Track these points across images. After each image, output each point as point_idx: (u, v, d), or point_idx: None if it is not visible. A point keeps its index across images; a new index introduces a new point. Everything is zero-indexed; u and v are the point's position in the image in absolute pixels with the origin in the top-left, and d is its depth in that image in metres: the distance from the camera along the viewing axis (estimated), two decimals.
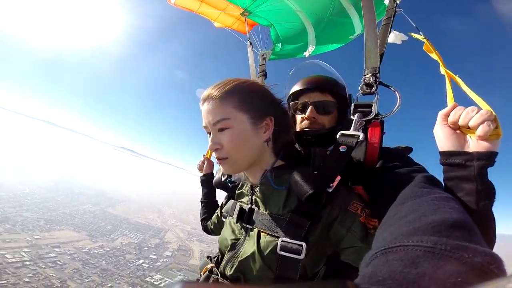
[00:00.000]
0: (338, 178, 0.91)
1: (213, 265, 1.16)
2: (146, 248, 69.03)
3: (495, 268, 0.37)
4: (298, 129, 1.35)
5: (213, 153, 1.03)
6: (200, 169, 1.95)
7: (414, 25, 1.45)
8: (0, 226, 58.26)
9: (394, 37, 1.52)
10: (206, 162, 1.94)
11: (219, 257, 1.19)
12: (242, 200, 1.17)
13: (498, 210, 0.84)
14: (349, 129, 1.06)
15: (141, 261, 59.53)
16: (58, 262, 50.06)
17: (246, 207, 1.09)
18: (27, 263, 45.87)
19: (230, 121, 0.96)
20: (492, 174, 0.83)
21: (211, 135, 1.00)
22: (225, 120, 0.96)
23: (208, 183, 1.86)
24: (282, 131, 1.08)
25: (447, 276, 0.35)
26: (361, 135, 0.99)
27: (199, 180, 1.93)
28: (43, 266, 46.40)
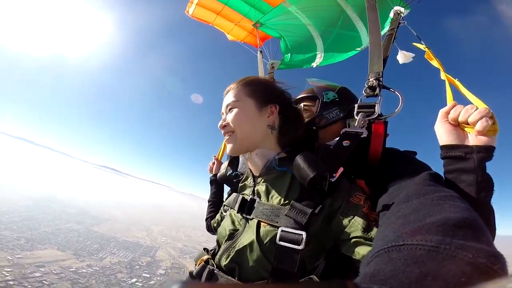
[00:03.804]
0: (341, 169, 0.91)
1: (209, 256, 1.17)
2: (137, 267, 65.45)
3: (498, 268, 0.36)
4: None
5: (223, 133, 1.17)
6: (210, 170, 2.03)
7: (418, 36, 1.56)
8: None
9: (404, 57, 1.65)
10: (216, 163, 2.02)
11: (216, 249, 1.18)
12: (245, 192, 1.20)
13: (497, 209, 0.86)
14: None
15: (134, 279, 56.33)
16: (45, 282, 46.14)
17: (248, 198, 1.11)
18: (11, 283, 42.13)
19: (238, 102, 1.12)
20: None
21: (224, 116, 1.16)
22: (235, 102, 1.12)
23: (217, 183, 1.93)
24: (288, 123, 1.18)
25: (450, 276, 0.34)
26: (365, 132, 1.05)
27: (209, 180, 2.00)
28: (29, 286, 42.60)
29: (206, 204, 1.96)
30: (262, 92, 1.16)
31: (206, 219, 1.81)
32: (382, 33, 1.56)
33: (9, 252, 54.70)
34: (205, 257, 1.17)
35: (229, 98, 1.15)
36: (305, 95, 1.55)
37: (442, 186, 0.75)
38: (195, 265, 1.19)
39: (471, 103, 0.97)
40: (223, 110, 1.18)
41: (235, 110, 1.11)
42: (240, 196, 1.14)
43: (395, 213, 0.64)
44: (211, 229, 1.69)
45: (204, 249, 1.26)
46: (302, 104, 1.51)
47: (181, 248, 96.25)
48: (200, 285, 0.27)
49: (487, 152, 0.84)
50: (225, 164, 1.44)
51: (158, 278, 59.84)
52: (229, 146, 1.13)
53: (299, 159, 0.93)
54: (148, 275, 60.72)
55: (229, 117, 1.11)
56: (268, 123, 1.13)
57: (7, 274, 44.34)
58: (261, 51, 2.57)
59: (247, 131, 1.10)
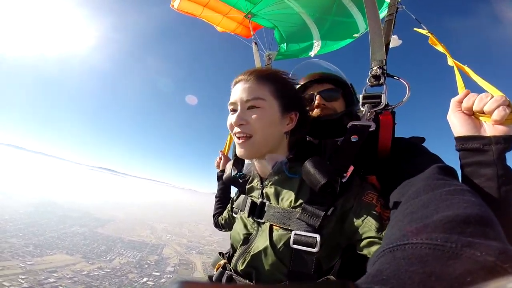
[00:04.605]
0: (351, 168, 0.89)
1: (226, 261, 1.16)
2: (146, 266, 66.49)
3: (509, 267, 0.34)
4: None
5: (235, 132, 1.02)
6: (217, 165, 1.99)
7: (417, 20, 1.51)
8: None
9: (392, 41, 1.56)
10: (223, 158, 1.99)
11: (231, 253, 1.18)
12: (253, 194, 1.17)
13: None
14: (359, 120, 1.06)
15: (145, 279, 57.45)
16: (60, 287, 47.30)
17: (257, 201, 1.08)
18: None
19: (263, 102, 0.99)
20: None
21: (239, 111, 1.00)
22: (259, 99, 0.99)
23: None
24: (301, 128, 1.11)
25: (456, 276, 0.33)
26: (372, 124, 0.99)
27: (216, 176, 1.97)
28: None
29: (207, 198, 2.21)
30: (288, 95, 1.06)
31: (214, 215, 1.80)
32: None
33: (20, 259, 55.22)
34: (222, 262, 1.16)
35: (249, 91, 1.00)
36: (333, 77, 1.44)
37: (453, 179, 0.73)
38: (214, 269, 1.20)
39: (483, 90, 0.91)
40: (236, 100, 1.02)
41: (259, 111, 0.98)
42: (249, 199, 1.11)
43: (403, 210, 0.63)
44: (219, 225, 1.70)
45: (220, 253, 1.26)
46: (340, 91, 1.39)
47: (186, 244, 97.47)
48: (200, 285, 0.27)
49: (506, 142, 0.79)
50: (230, 164, 1.37)
51: (168, 276, 60.95)
52: (242, 151, 1.01)
53: (308, 165, 0.90)
54: (158, 273, 61.84)
55: (250, 117, 0.98)
56: (286, 130, 1.06)
57: (23, 282, 45.11)
58: (256, 43, 2.47)
59: (267, 138, 1.00)
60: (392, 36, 1.52)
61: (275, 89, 1.03)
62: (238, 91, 1.02)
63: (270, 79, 1.04)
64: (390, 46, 1.50)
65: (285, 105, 1.04)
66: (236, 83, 1.06)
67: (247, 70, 1.07)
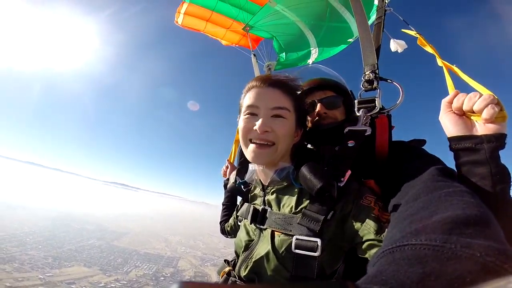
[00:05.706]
0: (349, 172, 0.90)
1: (231, 268, 1.19)
2: (162, 278, 65.94)
3: (508, 267, 0.34)
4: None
5: (255, 137, 1.00)
6: (224, 174, 2.01)
7: (405, 21, 1.53)
8: (8, 265, 55.81)
9: (396, 45, 1.59)
10: (229, 166, 1.99)
11: (236, 260, 1.19)
12: (256, 202, 1.20)
13: None
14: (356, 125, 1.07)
15: None
16: None
17: (259, 208, 1.10)
18: None
19: (288, 113, 1.02)
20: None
21: (263, 118, 0.99)
22: (285, 109, 1.01)
23: None
24: (300, 143, 1.15)
25: (455, 276, 0.33)
26: (368, 129, 1.01)
27: (223, 183, 2.00)
28: None
29: (219, 211, 1.90)
30: (303, 112, 1.12)
31: (220, 222, 1.79)
32: (370, 22, 1.50)
33: (39, 271, 55.84)
34: (227, 269, 1.18)
35: (275, 99, 1.01)
36: (335, 84, 1.38)
37: (453, 181, 0.72)
38: (220, 277, 1.21)
39: (473, 90, 0.92)
40: (259, 105, 1.01)
41: (283, 121, 1.00)
42: (252, 207, 1.13)
43: (403, 212, 0.63)
44: (225, 232, 1.70)
45: (225, 260, 1.27)
46: (340, 98, 1.34)
47: (201, 256, 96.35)
48: (199, 285, 0.27)
49: (498, 140, 0.79)
50: (233, 174, 1.35)
51: None
52: (259, 157, 0.99)
53: (304, 170, 0.92)
54: None
55: (275, 126, 0.99)
56: (293, 142, 1.09)
57: None
58: (254, 54, 2.53)
59: (283, 148, 1.03)
60: (398, 40, 1.58)
61: (295, 103, 1.06)
62: (262, 96, 1.02)
63: (292, 92, 1.07)
64: (399, 51, 1.54)
65: (298, 120, 1.07)
66: (256, 87, 1.04)
67: (269, 77, 1.08)
